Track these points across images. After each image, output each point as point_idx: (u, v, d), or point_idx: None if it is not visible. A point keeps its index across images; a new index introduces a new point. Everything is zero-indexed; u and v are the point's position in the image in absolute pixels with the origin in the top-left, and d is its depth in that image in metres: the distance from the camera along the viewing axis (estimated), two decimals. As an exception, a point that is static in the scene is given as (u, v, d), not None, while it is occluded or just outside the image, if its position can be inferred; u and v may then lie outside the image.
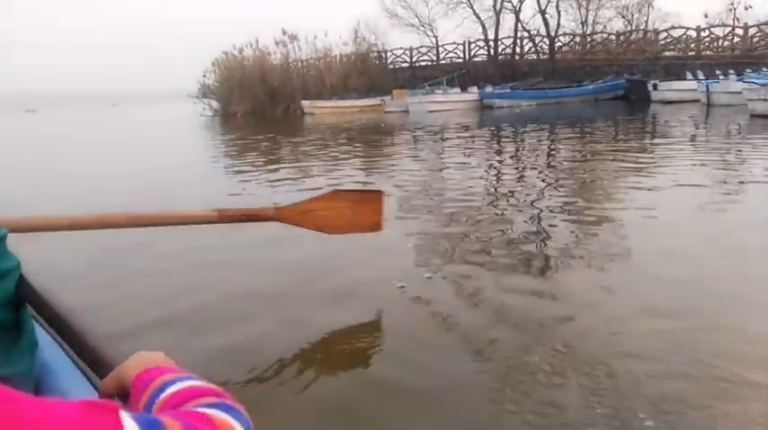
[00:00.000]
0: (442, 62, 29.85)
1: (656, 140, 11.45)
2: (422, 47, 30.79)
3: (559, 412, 2.12)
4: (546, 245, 4.37)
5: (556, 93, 23.06)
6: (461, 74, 26.62)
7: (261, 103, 26.24)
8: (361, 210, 3.02)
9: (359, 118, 20.74)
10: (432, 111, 21.14)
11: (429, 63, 30.31)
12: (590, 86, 23.56)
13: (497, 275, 3.64)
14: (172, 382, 0.67)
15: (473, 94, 23.60)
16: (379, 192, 3.14)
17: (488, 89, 23.72)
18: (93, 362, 0.90)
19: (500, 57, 29.00)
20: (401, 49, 30.58)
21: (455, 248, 4.24)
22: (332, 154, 11.08)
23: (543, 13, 28.08)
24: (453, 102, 22.82)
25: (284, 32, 27.59)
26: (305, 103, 25.05)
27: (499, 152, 10.98)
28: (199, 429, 0.54)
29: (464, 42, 29.73)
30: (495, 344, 2.67)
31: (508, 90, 23.53)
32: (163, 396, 0.65)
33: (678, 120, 14.60)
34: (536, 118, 17.30)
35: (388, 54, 30.34)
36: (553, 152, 10.59)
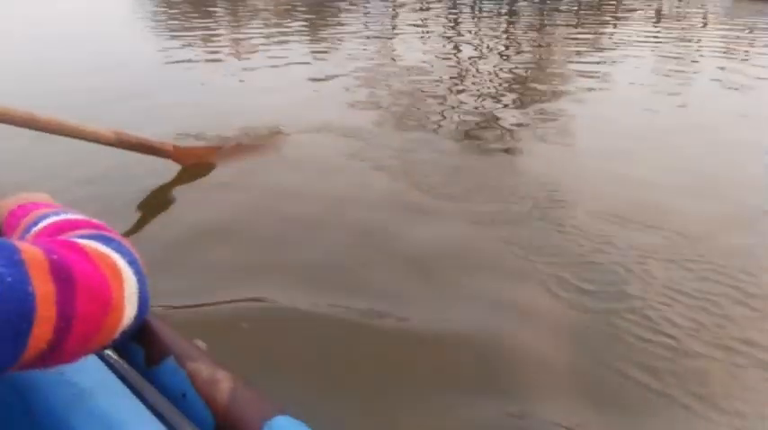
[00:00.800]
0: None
1: (621, 20, 10.54)
2: None
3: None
4: (498, 118, 4.20)
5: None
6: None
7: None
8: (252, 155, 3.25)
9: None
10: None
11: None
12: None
13: (436, 141, 3.62)
14: (47, 216, 0.59)
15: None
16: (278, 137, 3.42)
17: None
18: None
19: None
20: None
21: (400, 120, 4.07)
22: (271, 25, 9.67)
23: None
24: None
25: None
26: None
27: (455, 23, 10.03)
28: (65, 256, 0.45)
29: None
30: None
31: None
32: (35, 229, 0.58)
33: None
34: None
35: None
36: (512, 26, 9.83)
